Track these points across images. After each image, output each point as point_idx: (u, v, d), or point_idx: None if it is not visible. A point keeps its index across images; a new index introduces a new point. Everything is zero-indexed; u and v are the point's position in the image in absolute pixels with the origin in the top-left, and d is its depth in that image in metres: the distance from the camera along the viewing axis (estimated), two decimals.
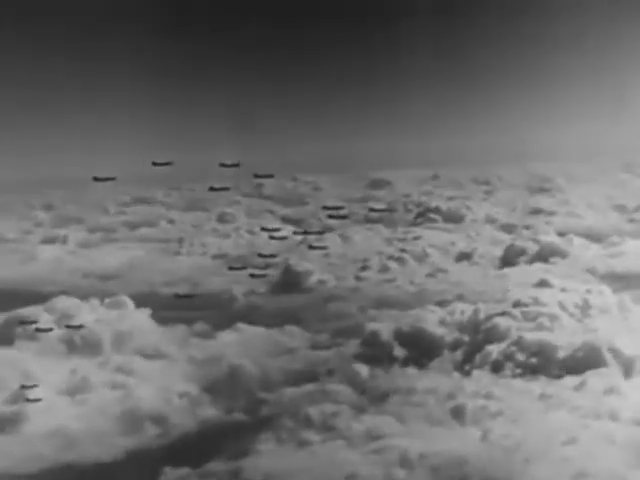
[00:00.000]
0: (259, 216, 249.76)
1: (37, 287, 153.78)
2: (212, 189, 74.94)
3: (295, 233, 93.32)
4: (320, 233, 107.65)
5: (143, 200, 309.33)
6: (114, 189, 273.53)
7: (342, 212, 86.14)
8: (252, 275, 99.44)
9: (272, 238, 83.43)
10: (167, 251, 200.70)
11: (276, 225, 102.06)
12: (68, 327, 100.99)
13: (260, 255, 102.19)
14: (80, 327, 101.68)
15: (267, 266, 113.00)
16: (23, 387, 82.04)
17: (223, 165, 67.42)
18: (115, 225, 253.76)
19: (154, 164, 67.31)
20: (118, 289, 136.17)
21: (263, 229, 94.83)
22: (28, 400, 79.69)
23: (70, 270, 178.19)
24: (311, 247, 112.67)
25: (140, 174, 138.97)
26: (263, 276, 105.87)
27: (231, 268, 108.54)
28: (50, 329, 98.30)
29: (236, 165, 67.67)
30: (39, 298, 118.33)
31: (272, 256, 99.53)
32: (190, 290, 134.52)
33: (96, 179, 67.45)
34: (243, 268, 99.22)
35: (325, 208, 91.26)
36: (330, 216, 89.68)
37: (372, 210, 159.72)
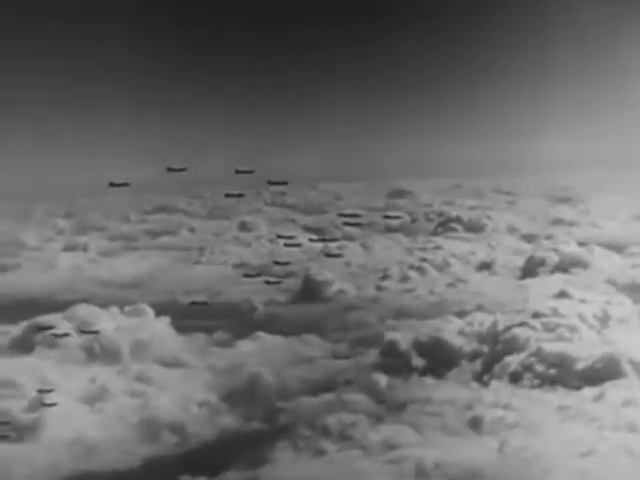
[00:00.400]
0: (280, 225, 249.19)
1: (57, 295, 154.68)
2: (228, 195, 74.97)
3: (311, 240, 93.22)
4: (335, 240, 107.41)
5: (164, 208, 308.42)
6: (135, 197, 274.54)
7: (358, 219, 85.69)
8: (267, 282, 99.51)
9: (287, 246, 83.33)
10: (188, 260, 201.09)
11: (292, 233, 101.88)
12: (83, 332, 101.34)
13: (276, 262, 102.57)
14: (96, 332, 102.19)
15: (286, 274, 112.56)
16: (40, 391, 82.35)
17: (238, 172, 67.38)
18: (136, 233, 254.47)
19: (169, 170, 67.33)
20: (138, 297, 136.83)
21: (279, 237, 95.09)
22: (44, 404, 79.86)
23: (90, 278, 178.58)
24: (328, 255, 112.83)
25: (156, 180, 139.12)
26: (278, 283, 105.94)
27: (247, 275, 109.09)
28: (67, 334, 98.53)
29: (250, 172, 67.57)
30: (59, 306, 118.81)
31: (286, 263, 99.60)
32: (210, 299, 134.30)
33: (112, 185, 67.76)
34: (258, 275, 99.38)
35: (341, 215, 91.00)
36: (346, 223, 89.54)
37: (387, 217, 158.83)
